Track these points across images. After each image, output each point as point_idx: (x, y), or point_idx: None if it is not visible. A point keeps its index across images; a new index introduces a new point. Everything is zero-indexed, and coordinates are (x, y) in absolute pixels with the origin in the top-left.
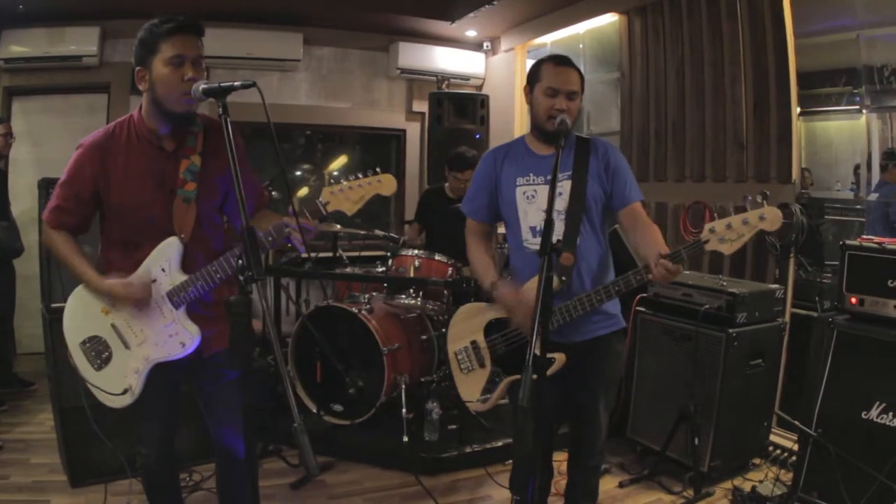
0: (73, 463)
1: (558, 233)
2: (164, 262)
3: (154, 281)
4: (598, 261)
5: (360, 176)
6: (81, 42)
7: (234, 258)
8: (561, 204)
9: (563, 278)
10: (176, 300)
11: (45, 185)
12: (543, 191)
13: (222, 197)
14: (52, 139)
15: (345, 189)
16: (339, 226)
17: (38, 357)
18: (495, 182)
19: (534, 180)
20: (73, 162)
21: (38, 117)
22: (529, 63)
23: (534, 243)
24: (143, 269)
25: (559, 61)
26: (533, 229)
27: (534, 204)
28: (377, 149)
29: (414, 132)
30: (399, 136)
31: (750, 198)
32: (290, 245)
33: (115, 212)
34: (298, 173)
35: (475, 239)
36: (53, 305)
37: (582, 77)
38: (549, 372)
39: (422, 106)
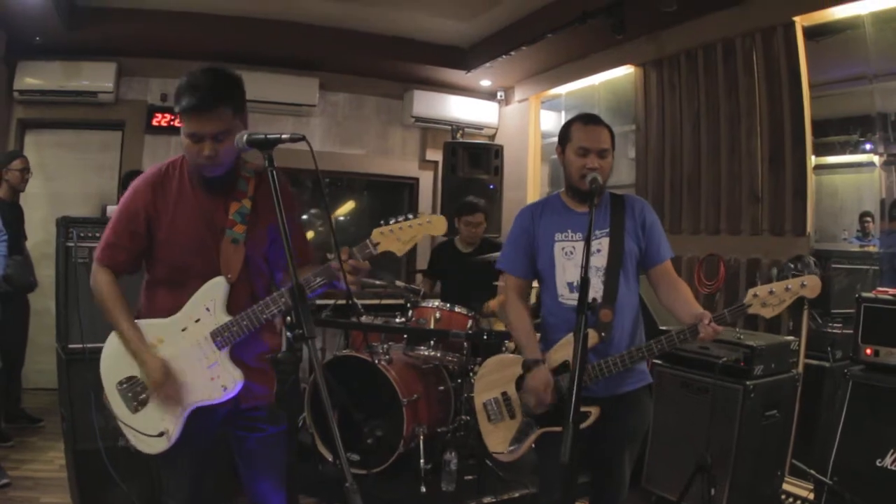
0: None
1: (596, 289)
2: (209, 302)
3: (198, 321)
4: (633, 315)
5: (410, 217)
6: (97, 78)
7: (280, 299)
8: (600, 261)
9: (603, 334)
10: (219, 340)
11: (65, 224)
12: (581, 247)
13: (269, 245)
14: (64, 174)
15: (395, 230)
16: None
17: (43, 393)
18: (533, 236)
19: (572, 236)
20: (125, 200)
21: (51, 151)
22: (544, 113)
23: (570, 299)
24: (187, 308)
25: (588, 120)
26: (570, 285)
27: (572, 260)
28: (388, 196)
29: (427, 181)
30: (412, 185)
31: (792, 265)
32: (336, 289)
33: (163, 249)
34: (305, 217)
35: (516, 300)
36: (71, 346)
37: (612, 134)
38: (584, 425)
39: (435, 155)
